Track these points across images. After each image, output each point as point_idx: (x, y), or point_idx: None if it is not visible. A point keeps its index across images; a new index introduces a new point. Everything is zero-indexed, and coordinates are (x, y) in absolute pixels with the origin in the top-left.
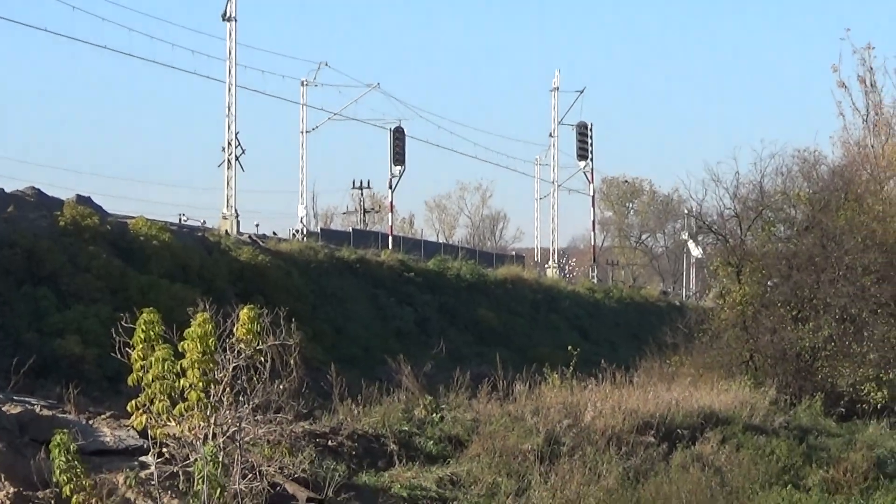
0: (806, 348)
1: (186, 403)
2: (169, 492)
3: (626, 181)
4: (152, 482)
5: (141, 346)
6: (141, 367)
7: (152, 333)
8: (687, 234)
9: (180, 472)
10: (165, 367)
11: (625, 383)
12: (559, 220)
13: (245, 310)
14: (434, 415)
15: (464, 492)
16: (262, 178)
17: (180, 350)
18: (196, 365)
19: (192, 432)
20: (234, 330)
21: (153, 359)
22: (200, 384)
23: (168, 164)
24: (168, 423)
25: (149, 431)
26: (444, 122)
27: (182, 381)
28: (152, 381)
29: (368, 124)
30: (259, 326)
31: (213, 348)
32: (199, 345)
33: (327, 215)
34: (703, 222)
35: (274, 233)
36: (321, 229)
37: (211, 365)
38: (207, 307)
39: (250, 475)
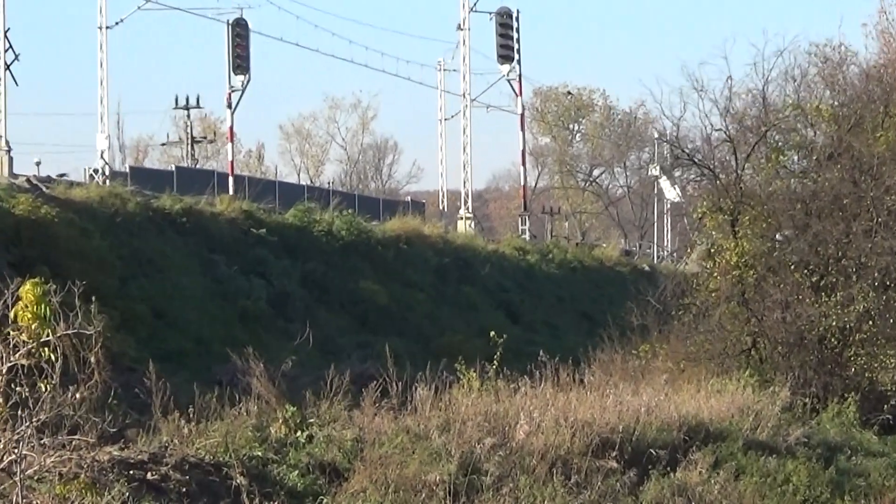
0: (833, 329)
1: None
2: None
3: (570, 93)
4: None
5: None
6: None
7: None
8: (658, 168)
9: None
10: None
11: (573, 384)
12: (473, 150)
13: (27, 286)
14: (299, 433)
15: None
16: (46, 96)
17: None
18: None
19: None
20: (10, 314)
21: None
22: None
23: None
24: None
25: None
26: (306, 12)
27: None
28: None
29: (195, 15)
30: (46, 309)
31: None
32: None
33: (139, 148)
34: (681, 150)
35: (61, 174)
36: (131, 168)
37: None
38: None
39: None
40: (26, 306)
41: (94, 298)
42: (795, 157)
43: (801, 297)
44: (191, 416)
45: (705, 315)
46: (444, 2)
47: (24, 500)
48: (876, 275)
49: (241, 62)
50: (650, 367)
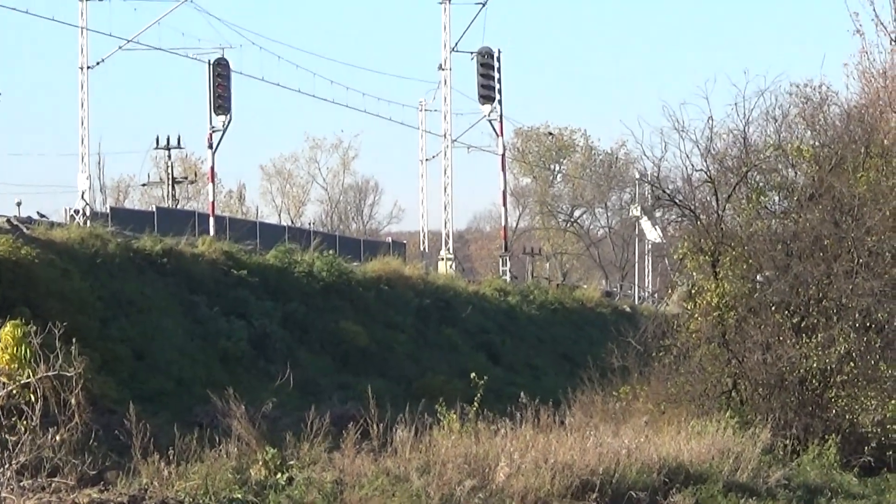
0: (813, 371)
1: None
2: None
3: (551, 133)
4: None
5: None
6: None
7: None
8: (639, 208)
9: None
10: None
11: (553, 426)
12: (454, 190)
13: (6, 327)
14: (279, 476)
15: None
16: (26, 136)
17: None
18: None
19: None
20: None
21: None
22: None
23: None
24: None
25: None
26: (288, 52)
27: None
28: None
29: (178, 55)
30: (25, 351)
31: None
32: None
33: (120, 188)
34: (662, 191)
35: (39, 213)
36: (111, 208)
37: None
38: None
39: None
40: (5, 348)
41: (74, 340)
42: (776, 198)
43: (781, 338)
44: (171, 457)
45: (686, 356)
46: (426, 42)
47: None
48: (857, 316)
49: (222, 102)
50: (631, 409)
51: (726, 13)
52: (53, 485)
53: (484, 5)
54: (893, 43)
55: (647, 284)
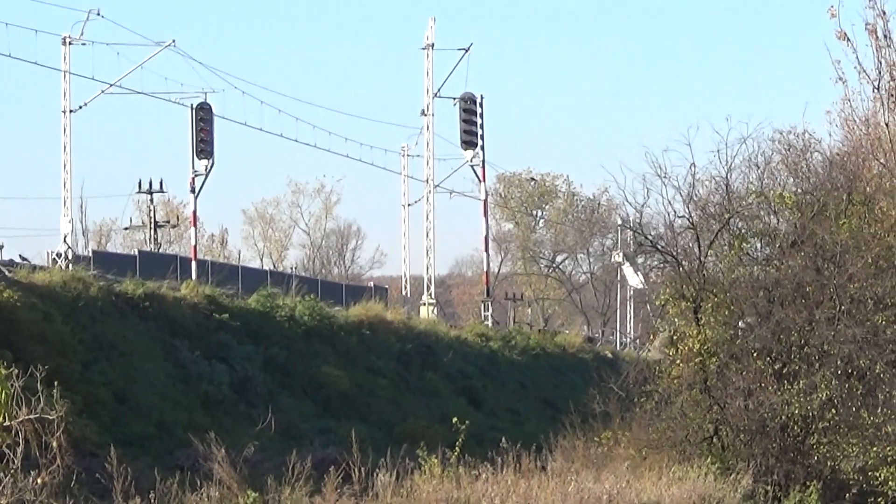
0: (795, 417)
1: None
2: None
3: (533, 179)
4: None
5: None
6: None
7: None
8: (622, 254)
9: None
10: None
11: (535, 471)
12: (436, 235)
13: None
14: None
15: None
16: (8, 180)
17: None
18: None
19: None
20: None
21: None
22: None
23: None
24: None
25: None
26: (269, 96)
27: None
28: None
29: (160, 99)
30: (7, 394)
31: None
32: None
33: (102, 232)
34: (644, 237)
35: (21, 256)
36: (94, 252)
37: None
38: None
39: None
40: None
41: (56, 383)
42: (758, 245)
43: (763, 384)
44: (152, 501)
45: (667, 402)
46: (408, 87)
47: None
48: (839, 363)
49: (204, 146)
50: (612, 455)
51: (709, 60)
52: None
53: (466, 51)
54: (876, 91)
55: (628, 330)
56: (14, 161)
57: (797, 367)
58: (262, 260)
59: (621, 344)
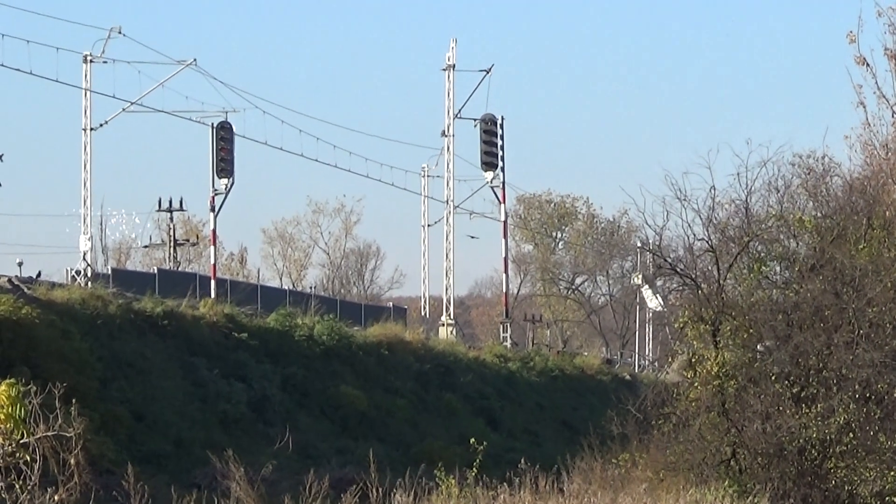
0: (813, 441)
1: None
2: None
3: (553, 201)
4: None
5: None
6: None
7: None
8: (641, 277)
9: None
10: None
11: (552, 492)
12: (456, 256)
13: (4, 386)
14: None
15: None
16: (29, 197)
17: None
18: None
19: None
20: None
21: None
22: None
23: None
24: None
25: None
26: (290, 116)
27: None
28: None
29: (180, 118)
30: (24, 410)
31: None
32: None
33: (121, 250)
34: (663, 260)
35: (39, 274)
36: (113, 270)
37: None
38: None
39: None
40: (2, 407)
41: (74, 400)
42: (777, 268)
43: (781, 408)
44: None
45: (685, 425)
46: (429, 108)
47: None
48: (857, 387)
49: (224, 165)
50: (630, 477)
51: (730, 84)
52: None
53: (487, 73)
54: (894, 115)
55: (647, 352)
56: (35, 178)
57: (815, 391)
58: (281, 279)
59: (640, 366)
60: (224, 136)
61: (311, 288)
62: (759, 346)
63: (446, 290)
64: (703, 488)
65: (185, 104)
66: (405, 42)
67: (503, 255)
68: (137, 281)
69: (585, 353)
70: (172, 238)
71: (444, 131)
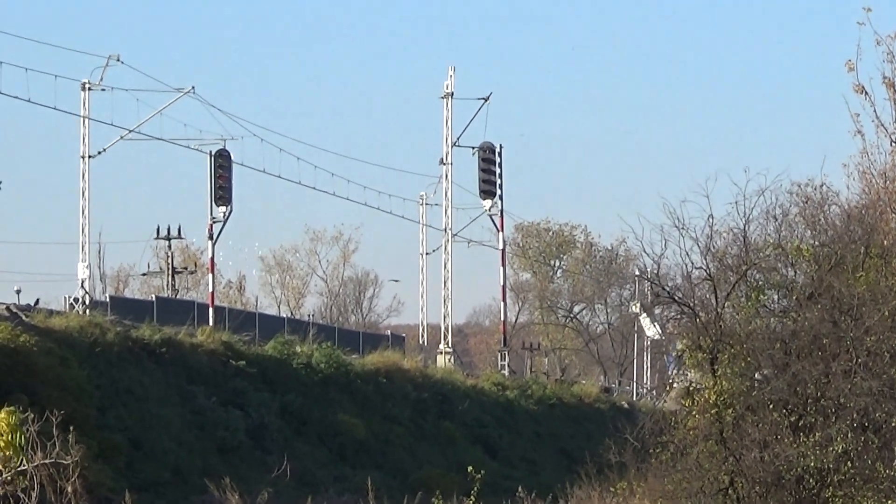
0: (811, 470)
1: None
2: None
3: (551, 229)
4: None
5: None
6: None
7: None
8: (639, 305)
9: None
10: None
11: None
12: (454, 284)
13: (3, 413)
14: None
15: None
16: (26, 224)
17: None
18: None
19: None
20: None
21: None
22: None
23: None
24: None
25: None
26: (288, 143)
27: None
28: None
29: (179, 146)
30: (22, 438)
31: None
32: None
33: (119, 277)
34: (661, 288)
35: (37, 302)
36: (111, 297)
37: None
38: None
39: None
40: (1, 435)
41: (71, 428)
42: (775, 297)
43: (779, 436)
44: None
45: (683, 453)
46: (427, 136)
47: None
48: (855, 416)
49: (222, 193)
50: None
51: (728, 112)
52: None
53: (486, 101)
54: (894, 144)
55: (645, 381)
56: (33, 206)
57: (813, 420)
58: (279, 307)
59: (637, 394)
60: (222, 163)
61: (309, 316)
62: (756, 375)
63: (444, 318)
64: None
65: (184, 132)
66: (403, 70)
67: (501, 284)
68: (135, 309)
69: (583, 382)
70: (170, 266)
71: (442, 159)
